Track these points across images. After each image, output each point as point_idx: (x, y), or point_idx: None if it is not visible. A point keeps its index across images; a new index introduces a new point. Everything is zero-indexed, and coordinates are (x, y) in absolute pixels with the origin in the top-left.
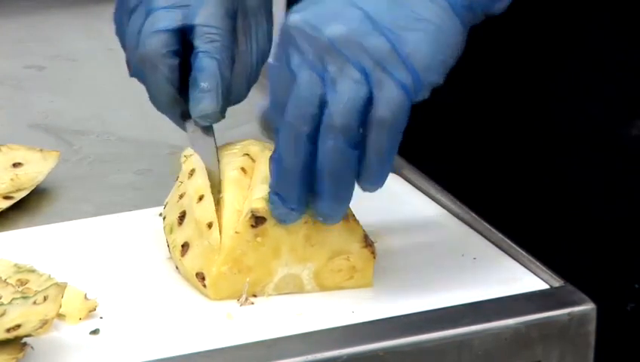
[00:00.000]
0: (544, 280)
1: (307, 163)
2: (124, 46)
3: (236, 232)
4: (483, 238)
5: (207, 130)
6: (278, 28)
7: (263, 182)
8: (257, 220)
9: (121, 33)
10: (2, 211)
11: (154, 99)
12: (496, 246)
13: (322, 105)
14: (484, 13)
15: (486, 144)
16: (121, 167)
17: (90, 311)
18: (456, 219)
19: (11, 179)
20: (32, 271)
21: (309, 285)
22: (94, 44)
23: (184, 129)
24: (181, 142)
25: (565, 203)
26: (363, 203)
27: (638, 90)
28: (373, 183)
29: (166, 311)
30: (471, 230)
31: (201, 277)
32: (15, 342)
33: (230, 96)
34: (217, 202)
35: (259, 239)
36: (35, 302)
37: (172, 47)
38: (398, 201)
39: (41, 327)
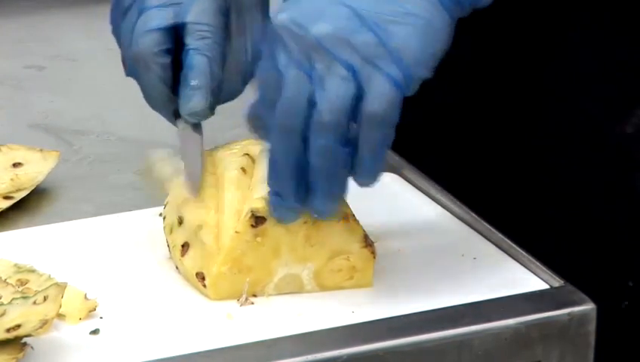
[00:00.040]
0: (544, 280)
1: (299, 161)
2: (120, 45)
3: (236, 232)
4: (483, 238)
5: (197, 127)
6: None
7: (263, 182)
8: (257, 220)
9: (116, 33)
10: (2, 211)
11: (148, 98)
12: (496, 246)
13: (311, 103)
14: (472, 7)
15: (486, 144)
16: (121, 167)
17: (90, 311)
18: (456, 219)
19: (11, 179)
20: (32, 271)
21: (309, 285)
22: (94, 44)
23: (177, 126)
24: None
25: (564, 202)
26: (363, 203)
27: (634, 88)
28: (368, 178)
29: (166, 311)
30: (471, 230)
31: (201, 277)
32: (15, 342)
33: (221, 93)
34: (202, 200)
35: (259, 239)
36: (35, 302)
37: (164, 45)
38: (398, 201)
39: (41, 327)
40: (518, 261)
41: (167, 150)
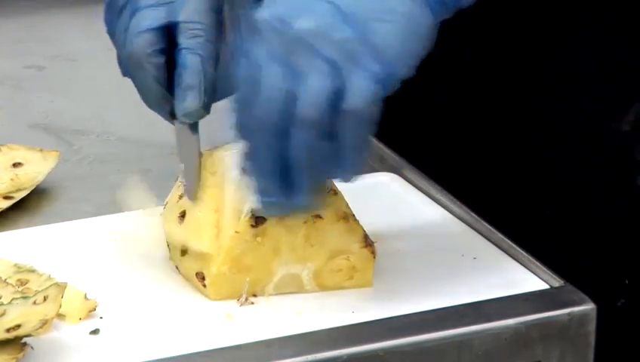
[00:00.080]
0: (544, 280)
1: (281, 156)
2: (115, 45)
3: (236, 232)
4: (483, 238)
5: (193, 127)
6: None
7: None
8: (257, 220)
9: (111, 32)
10: (2, 211)
11: (143, 98)
12: (497, 246)
13: (292, 99)
14: (456, 7)
15: (486, 144)
16: (121, 167)
17: (90, 311)
18: (456, 219)
19: (11, 179)
20: (32, 271)
21: (308, 285)
22: (94, 44)
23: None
24: None
25: (563, 202)
26: (363, 203)
27: (630, 86)
28: (348, 174)
29: (166, 311)
30: (471, 230)
31: (201, 277)
32: (15, 342)
33: (216, 91)
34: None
35: (259, 239)
36: (35, 302)
37: (157, 45)
38: (398, 201)
39: (41, 327)
40: (518, 261)
41: (138, 178)
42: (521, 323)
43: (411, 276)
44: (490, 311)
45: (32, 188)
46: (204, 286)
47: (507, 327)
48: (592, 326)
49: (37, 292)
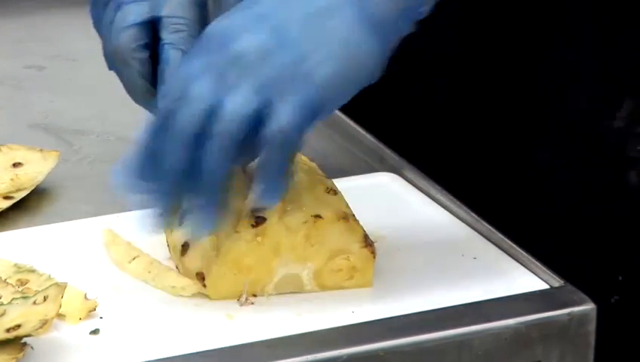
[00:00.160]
0: (544, 280)
1: (182, 170)
2: (101, 39)
3: (236, 232)
4: (483, 238)
5: None
6: None
7: None
8: (257, 220)
9: (97, 26)
10: (2, 211)
11: (129, 92)
12: (497, 246)
13: (214, 114)
14: (410, 23)
15: (485, 144)
16: None
17: (90, 311)
18: (456, 219)
19: (11, 179)
20: (32, 271)
21: (308, 285)
22: (94, 44)
23: None
24: None
25: (558, 200)
26: (363, 203)
27: (622, 82)
28: (265, 199)
29: (166, 311)
30: (471, 230)
31: (201, 277)
32: (15, 342)
33: None
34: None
35: (259, 239)
36: (35, 302)
37: (141, 40)
38: (398, 201)
39: (41, 327)
40: (518, 261)
41: (116, 232)
42: (521, 323)
43: (411, 276)
44: (490, 311)
45: (32, 188)
46: (204, 286)
47: (507, 327)
48: (592, 326)
49: (37, 292)
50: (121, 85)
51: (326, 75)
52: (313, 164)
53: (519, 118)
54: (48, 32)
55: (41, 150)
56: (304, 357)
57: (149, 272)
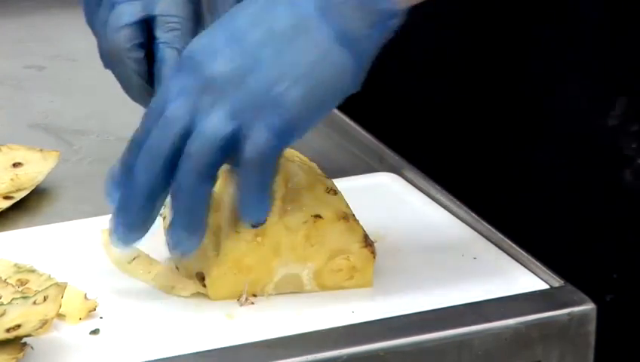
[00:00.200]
0: (544, 280)
1: (159, 186)
2: (95, 37)
3: (236, 232)
4: (483, 238)
5: None
6: None
7: None
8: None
9: (91, 23)
10: (2, 211)
11: (125, 90)
12: (497, 246)
13: (187, 137)
14: (383, 36)
15: (485, 144)
16: None
17: (90, 311)
18: (456, 219)
19: (11, 179)
20: (32, 271)
21: (308, 285)
22: (94, 44)
23: None
24: None
25: (555, 199)
26: (363, 203)
27: (615, 80)
28: (249, 218)
29: (166, 311)
30: (471, 230)
31: (201, 277)
32: (15, 342)
33: None
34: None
35: (259, 239)
36: (35, 302)
37: (136, 40)
38: (398, 201)
39: (41, 327)
40: (518, 261)
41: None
42: (521, 323)
43: (411, 276)
44: (490, 311)
45: (32, 188)
46: (204, 286)
47: (507, 327)
48: (592, 326)
49: (37, 292)
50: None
51: (296, 97)
52: (313, 164)
53: (518, 117)
54: (48, 32)
55: (41, 150)
56: (304, 357)
57: (149, 272)
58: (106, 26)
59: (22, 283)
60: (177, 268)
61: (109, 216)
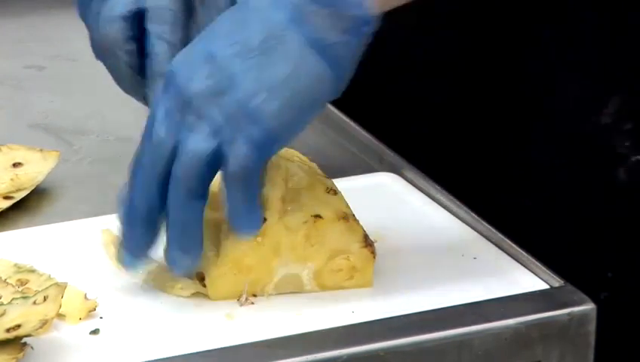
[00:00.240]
0: (544, 280)
1: (155, 208)
2: (87, 29)
3: None
4: (483, 238)
5: None
6: None
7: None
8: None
9: (83, 16)
10: (2, 211)
11: (117, 82)
12: (497, 246)
13: (174, 156)
14: (359, 42)
15: (485, 144)
16: (121, 167)
17: (90, 311)
18: (456, 219)
19: (11, 179)
20: (32, 271)
21: (308, 285)
22: None
23: None
24: None
25: (551, 198)
26: (363, 203)
27: (609, 78)
28: (242, 229)
29: (166, 311)
30: (471, 230)
31: (200, 277)
32: (15, 342)
33: None
34: None
35: (259, 239)
36: (35, 302)
37: (128, 32)
38: (398, 201)
39: (41, 327)
40: (518, 261)
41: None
42: (521, 323)
43: (411, 276)
44: (490, 311)
45: (32, 188)
46: (204, 286)
47: (507, 327)
48: (592, 326)
49: (37, 292)
50: None
51: (273, 109)
52: (313, 164)
53: (518, 117)
54: (48, 32)
55: (41, 150)
56: (304, 357)
57: (149, 272)
58: (99, 18)
59: (22, 283)
60: None
61: (109, 216)
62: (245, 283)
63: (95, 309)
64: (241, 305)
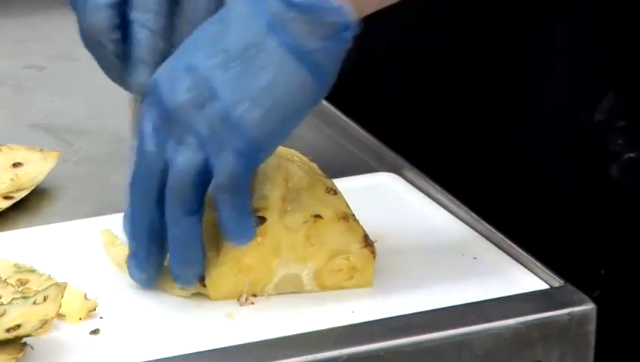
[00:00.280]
0: (544, 280)
1: (156, 221)
2: (77, 18)
3: None
4: (483, 238)
5: None
6: None
7: (263, 182)
8: (257, 220)
9: (73, 4)
10: (2, 211)
11: (104, 71)
12: (497, 246)
13: (166, 170)
14: (340, 48)
15: (485, 143)
16: (121, 167)
17: (90, 311)
18: (456, 219)
19: (11, 179)
20: (32, 271)
21: (308, 285)
22: None
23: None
24: None
25: (547, 196)
26: (363, 203)
27: (603, 75)
28: (235, 238)
29: (166, 311)
30: (471, 230)
31: (200, 277)
32: (15, 342)
33: None
34: None
35: (259, 239)
36: (35, 302)
37: (114, 20)
38: (398, 201)
39: (41, 327)
40: (518, 261)
41: (115, 233)
42: (521, 323)
43: (411, 276)
44: (490, 311)
45: (32, 188)
46: (204, 286)
47: (507, 327)
48: (592, 326)
49: (37, 292)
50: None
51: (256, 118)
52: (313, 164)
53: (517, 117)
54: (48, 32)
55: (41, 150)
56: (304, 357)
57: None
58: (86, 6)
59: (22, 283)
60: None
61: (109, 216)
62: (245, 283)
63: (95, 309)
64: (241, 305)
